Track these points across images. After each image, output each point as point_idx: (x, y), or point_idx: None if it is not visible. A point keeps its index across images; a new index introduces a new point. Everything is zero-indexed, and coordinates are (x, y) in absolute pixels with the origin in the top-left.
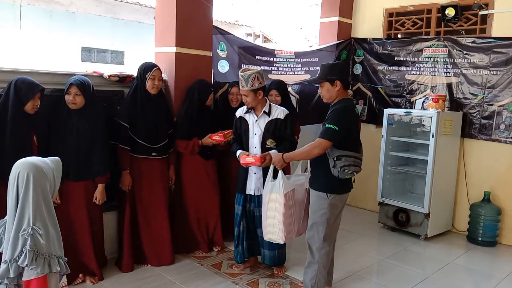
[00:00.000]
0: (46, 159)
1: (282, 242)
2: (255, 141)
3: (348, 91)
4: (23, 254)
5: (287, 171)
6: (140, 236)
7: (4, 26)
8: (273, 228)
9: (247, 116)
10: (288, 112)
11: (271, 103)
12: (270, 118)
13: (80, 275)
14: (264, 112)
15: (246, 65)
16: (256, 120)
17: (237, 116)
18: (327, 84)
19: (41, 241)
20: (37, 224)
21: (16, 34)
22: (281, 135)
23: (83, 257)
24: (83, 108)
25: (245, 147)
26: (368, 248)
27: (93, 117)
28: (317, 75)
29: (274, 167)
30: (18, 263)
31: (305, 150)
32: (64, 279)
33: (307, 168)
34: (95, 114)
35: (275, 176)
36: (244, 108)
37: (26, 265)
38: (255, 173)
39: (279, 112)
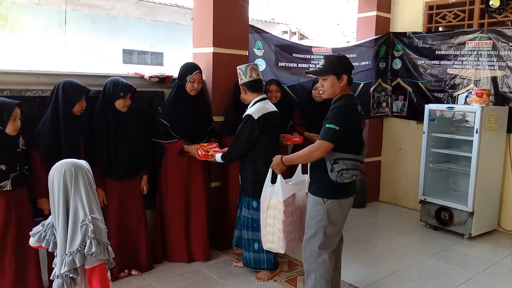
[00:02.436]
0: (78, 160)
1: (282, 252)
2: None
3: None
4: (88, 243)
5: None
6: (176, 232)
7: (51, 31)
8: (272, 236)
9: None
10: (250, 114)
11: (258, 103)
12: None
13: (126, 271)
14: (245, 110)
15: (284, 63)
16: None
17: None
18: (333, 77)
19: (102, 226)
20: (93, 213)
21: (61, 38)
22: None
23: (136, 251)
24: (128, 109)
25: None
26: (409, 247)
27: (137, 116)
28: (320, 66)
29: (273, 171)
30: (85, 251)
31: (305, 153)
32: (108, 274)
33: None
34: (138, 113)
35: (273, 180)
36: None
37: (93, 252)
38: None
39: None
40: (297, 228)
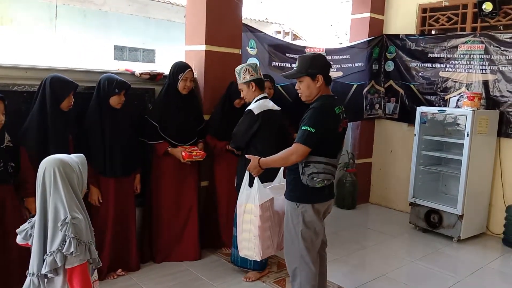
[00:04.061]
0: (70, 155)
1: (259, 259)
2: None
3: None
4: (67, 242)
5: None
6: (166, 231)
7: (41, 25)
8: (248, 243)
9: None
10: (250, 109)
11: (260, 101)
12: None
13: (119, 270)
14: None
15: (277, 63)
16: None
17: None
18: (307, 79)
19: (81, 226)
20: (73, 213)
21: (51, 33)
22: None
23: (126, 251)
24: (122, 106)
25: None
26: (398, 249)
27: (129, 113)
28: (295, 68)
29: (250, 174)
30: (63, 251)
31: (282, 157)
32: (96, 274)
33: None
34: (131, 110)
35: (251, 184)
36: None
37: (72, 252)
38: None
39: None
40: (275, 234)
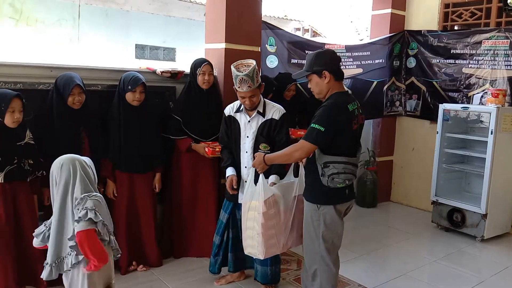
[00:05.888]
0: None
1: (262, 258)
2: (246, 145)
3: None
4: (86, 211)
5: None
6: (186, 227)
7: (64, 25)
8: (252, 240)
9: (238, 116)
10: (284, 111)
11: (266, 100)
12: (264, 119)
13: (134, 263)
14: (258, 112)
15: (296, 60)
16: (249, 121)
17: (226, 115)
18: (315, 76)
19: (100, 203)
20: (92, 193)
21: (74, 32)
22: (275, 138)
23: (145, 247)
24: (142, 103)
25: (235, 152)
26: (420, 248)
27: (150, 111)
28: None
29: (255, 171)
30: (79, 216)
31: (286, 153)
32: (112, 260)
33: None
34: (152, 108)
35: (256, 181)
36: (235, 105)
37: (89, 218)
38: (245, 181)
39: (275, 111)
40: (281, 233)
